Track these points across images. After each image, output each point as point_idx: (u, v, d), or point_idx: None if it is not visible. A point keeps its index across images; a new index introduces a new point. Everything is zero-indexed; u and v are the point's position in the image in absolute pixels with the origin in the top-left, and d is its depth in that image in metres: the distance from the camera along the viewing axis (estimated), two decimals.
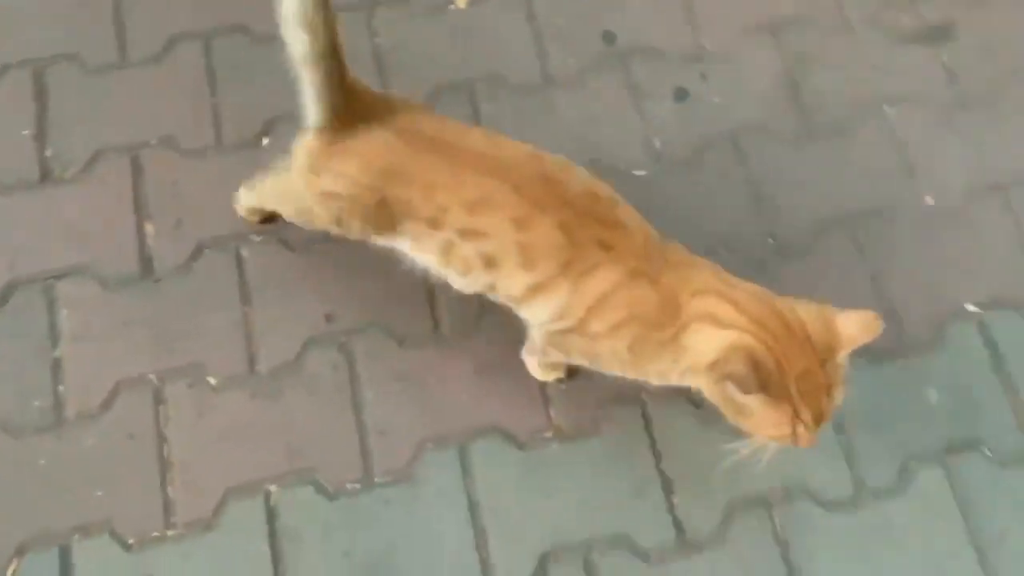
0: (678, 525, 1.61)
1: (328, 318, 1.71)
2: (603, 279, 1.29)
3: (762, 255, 1.79)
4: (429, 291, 1.73)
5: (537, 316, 1.41)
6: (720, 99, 1.96)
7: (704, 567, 1.57)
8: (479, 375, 1.68)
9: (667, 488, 1.63)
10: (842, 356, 1.22)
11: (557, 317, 1.36)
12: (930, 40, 2.02)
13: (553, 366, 1.63)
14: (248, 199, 1.69)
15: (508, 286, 1.36)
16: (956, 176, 1.90)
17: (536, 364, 1.64)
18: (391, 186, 1.33)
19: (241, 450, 1.61)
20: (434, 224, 1.34)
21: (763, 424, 1.24)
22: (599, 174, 1.38)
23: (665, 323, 1.27)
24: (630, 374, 1.41)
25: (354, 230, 1.46)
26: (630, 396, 1.67)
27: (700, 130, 1.92)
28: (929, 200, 1.88)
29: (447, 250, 1.36)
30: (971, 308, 1.78)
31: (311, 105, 1.31)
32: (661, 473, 1.64)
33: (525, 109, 1.89)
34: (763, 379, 1.17)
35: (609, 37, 1.99)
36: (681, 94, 1.95)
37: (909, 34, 2.02)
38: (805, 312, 1.24)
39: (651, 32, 1.99)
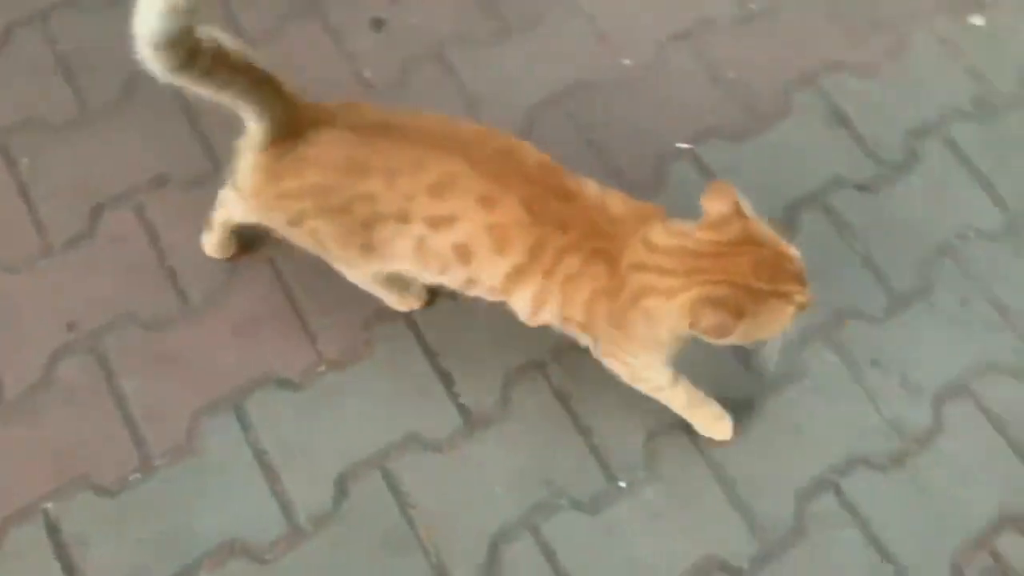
0: (463, 410, 1.64)
1: (70, 326, 1.66)
2: (567, 266, 1.30)
3: None
4: (168, 270, 1.70)
5: (523, 309, 1.40)
6: (416, 20, 2.01)
7: (495, 439, 1.62)
8: (238, 334, 1.67)
9: (447, 381, 1.67)
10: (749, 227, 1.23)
11: (537, 304, 1.37)
12: None
13: (703, 413, 1.61)
14: (214, 234, 1.64)
15: (488, 276, 1.35)
16: (644, 35, 2.02)
17: (697, 425, 1.62)
18: (353, 181, 1.29)
19: (6, 478, 1.54)
20: (403, 218, 1.30)
21: (776, 324, 1.24)
22: None
23: (617, 287, 1.28)
24: (640, 351, 1.40)
25: (333, 252, 1.42)
26: (392, 312, 1.69)
27: (404, 53, 1.97)
28: (626, 61, 2.00)
29: (420, 247, 1.33)
30: (682, 146, 1.90)
31: (255, 124, 1.27)
32: (438, 369, 1.67)
33: None
34: (737, 309, 1.17)
35: None
36: (377, 24, 1.99)
37: None
38: (680, 227, 1.27)
39: None
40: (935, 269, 1.83)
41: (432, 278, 1.44)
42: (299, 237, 1.42)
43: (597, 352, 1.48)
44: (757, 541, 1.60)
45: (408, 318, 1.71)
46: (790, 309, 1.22)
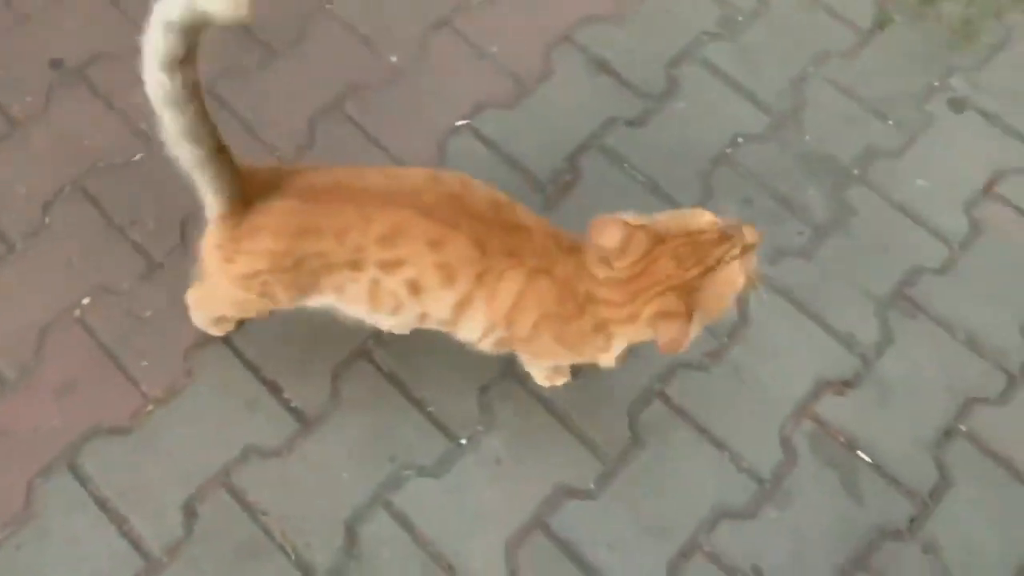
0: (296, 413, 1.69)
1: None
2: (510, 285, 1.34)
3: None
4: None
5: (472, 334, 1.44)
6: None
7: (332, 432, 1.67)
8: (60, 396, 1.68)
9: (275, 390, 1.71)
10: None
11: (487, 330, 1.41)
12: None
13: (555, 369, 1.68)
14: (201, 315, 1.66)
15: (437, 309, 1.38)
16: (405, 30, 2.12)
17: (537, 375, 1.70)
18: (305, 244, 1.33)
19: None
20: (355, 267, 1.34)
21: (731, 285, 1.29)
22: None
23: (572, 314, 1.34)
24: (588, 360, 1.47)
25: (281, 299, 1.44)
26: (208, 337, 1.73)
27: None
28: (393, 58, 2.09)
29: (374, 291, 1.37)
30: (460, 123, 2.00)
31: (210, 198, 1.32)
32: (264, 381, 1.71)
33: None
34: (682, 309, 1.24)
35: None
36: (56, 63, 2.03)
37: None
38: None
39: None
40: (715, 178, 1.96)
41: (384, 321, 1.49)
42: (243, 291, 1.44)
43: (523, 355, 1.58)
44: (599, 461, 1.68)
45: (226, 340, 1.74)
46: (734, 265, 1.26)
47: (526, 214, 1.39)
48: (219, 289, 1.48)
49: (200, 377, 1.71)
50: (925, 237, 1.92)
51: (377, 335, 1.75)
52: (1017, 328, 1.83)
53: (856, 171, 1.98)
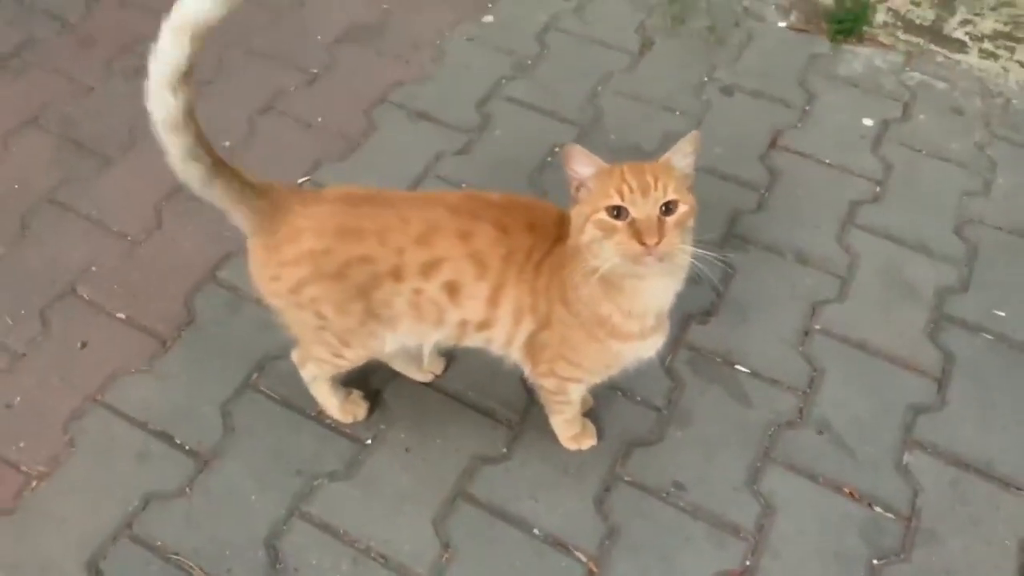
0: (191, 453, 1.64)
1: None
2: (535, 255, 1.35)
3: None
4: None
5: (505, 330, 1.40)
6: (15, 181, 2.10)
7: (232, 462, 1.62)
8: None
9: (166, 439, 1.67)
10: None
11: (518, 317, 1.38)
12: None
13: (573, 428, 1.65)
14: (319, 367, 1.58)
15: (474, 309, 1.38)
16: (234, 117, 2.25)
17: (563, 434, 1.64)
18: (348, 246, 1.33)
19: None
20: (397, 276, 1.35)
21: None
22: None
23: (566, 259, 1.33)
24: (594, 324, 1.37)
25: (336, 324, 1.41)
26: (86, 407, 1.67)
27: (20, 209, 2.03)
28: (226, 143, 2.21)
29: (415, 302, 1.37)
30: (302, 180, 2.11)
31: (236, 216, 1.36)
32: (153, 432, 1.67)
33: None
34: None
35: None
36: None
37: None
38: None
39: None
40: (544, 181, 2.15)
41: (428, 335, 1.46)
42: (300, 311, 1.41)
43: (532, 370, 1.50)
44: (504, 426, 1.72)
45: (104, 403, 1.70)
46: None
47: (531, 200, 1.46)
48: (287, 317, 1.47)
49: (84, 444, 1.65)
50: (735, 188, 2.17)
51: (259, 364, 1.76)
52: (832, 239, 2.07)
53: (661, 153, 2.23)
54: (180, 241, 1.99)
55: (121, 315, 1.85)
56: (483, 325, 1.43)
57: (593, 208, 1.23)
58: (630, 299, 1.31)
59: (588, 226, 1.23)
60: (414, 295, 1.39)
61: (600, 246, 1.23)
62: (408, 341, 1.49)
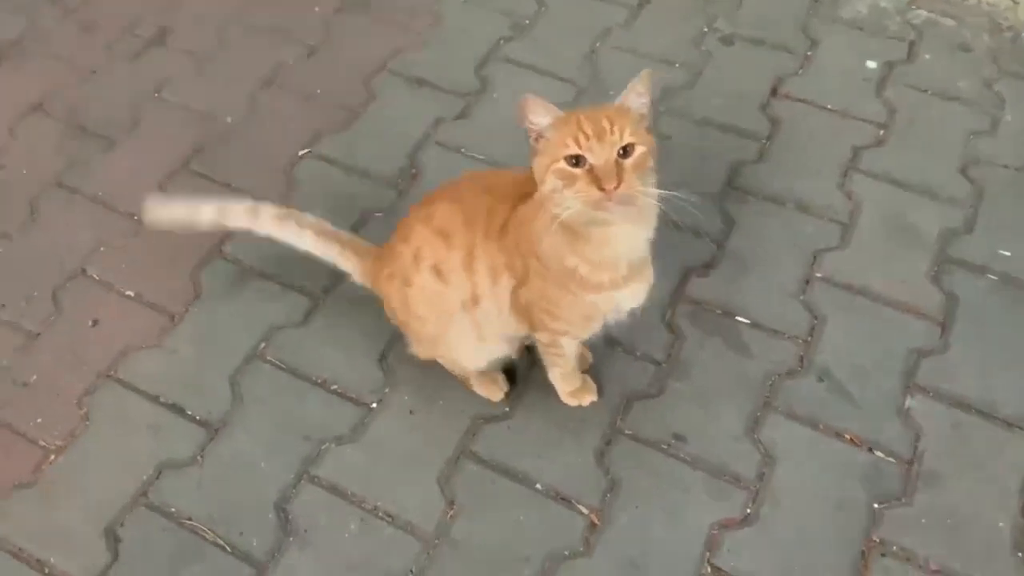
0: (202, 423, 1.69)
1: None
2: (497, 216, 1.40)
3: None
4: None
5: (494, 296, 1.45)
6: (25, 168, 2.15)
7: (241, 429, 1.67)
8: None
9: (177, 410, 1.72)
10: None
11: (497, 277, 1.43)
12: None
13: (572, 383, 1.67)
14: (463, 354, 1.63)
15: (459, 283, 1.46)
16: (236, 93, 2.27)
17: (562, 390, 1.68)
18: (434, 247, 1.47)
19: None
20: (406, 280, 1.51)
21: None
22: None
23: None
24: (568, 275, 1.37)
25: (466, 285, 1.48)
26: (100, 381, 1.73)
27: (27, 194, 2.08)
28: (229, 119, 2.23)
29: (427, 298, 1.49)
30: (303, 152, 2.14)
31: (345, 262, 1.66)
32: (165, 405, 1.71)
33: None
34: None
35: None
36: None
37: None
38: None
39: None
40: None
41: (466, 332, 1.54)
42: (440, 282, 1.48)
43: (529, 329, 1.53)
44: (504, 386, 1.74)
45: (117, 379, 1.75)
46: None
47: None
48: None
49: (98, 418, 1.70)
50: (736, 139, 2.15)
51: (266, 334, 1.80)
52: (834, 186, 2.05)
53: (661, 108, 2.22)
54: None
55: (130, 293, 1.90)
56: (475, 299, 1.46)
57: (552, 158, 1.24)
58: (597, 248, 1.32)
59: (548, 176, 1.25)
60: (420, 292, 1.48)
61: (561, 195, 1.24)
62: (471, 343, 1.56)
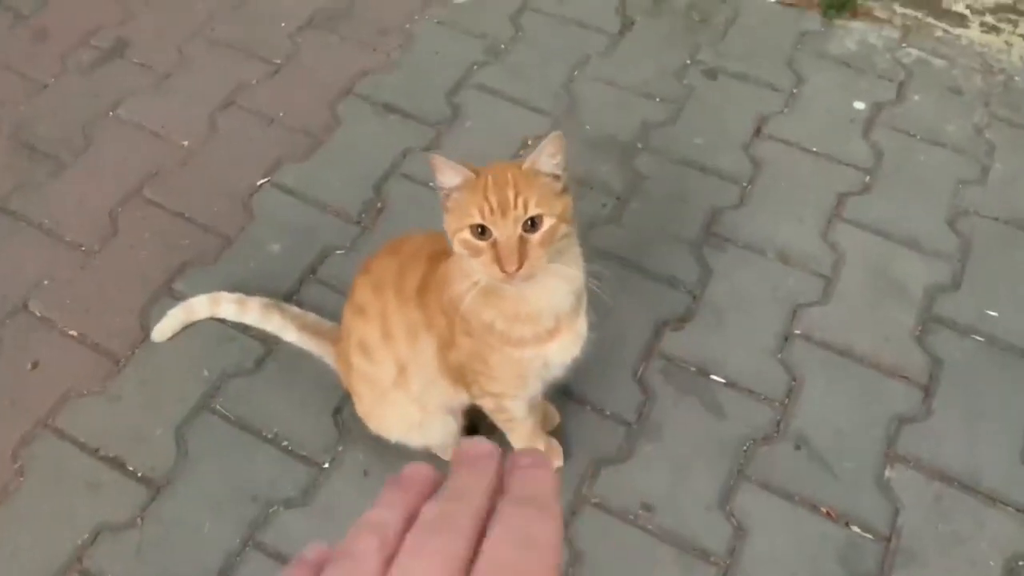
0: (144, 480, 1.59)
1: None
2: (409, 274, 1.34)
3: None
4: None
5: (417, 360, 1.37)
6: None
7: (184, 489, 1.57)
8: None
9: (116, 465, 1.62)
10: None
11: (415, 337, 1.36)
12: None
13: (521, 428, 1.53)
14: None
15: (383, 358, 1.40)
16: (193, 116, 2.16)
17: (516, 441, 1.54)
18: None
19: None
20: (345, 360, 1.49)
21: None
22: None
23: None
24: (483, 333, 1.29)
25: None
26: (36, 432, 1.62)
27: None
28: (185, 143, 2.12)
29: (365, 377, 1.45)
30: (261, 181, 2.03)
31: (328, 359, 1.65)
32: (104, 459, 1.61)
33: None
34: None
35: None
36: None
37: None
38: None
39: None
40: None
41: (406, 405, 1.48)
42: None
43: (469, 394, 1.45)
44: None
45: (54, 428, 1.64)
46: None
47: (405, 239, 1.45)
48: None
49: (33, 472, 1.60)
50: (716, 182, 2.07)
51: (214, 386, 1.70)
52: (817, 235, 1.97)
53: (639, 144, 2.13)
54: (136, 250, 1.92)
55: (73, 332, 1.79)
56: (401, 368, 1.39)
57: (459, 224, 1.15)
58: (514, 304, 1.23)
59: (456, 242, 1.17)
60: (359, 373, 1.44)
61: (469, 264, 1.16)
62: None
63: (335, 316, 1.74)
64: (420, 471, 0.42)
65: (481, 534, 0.37)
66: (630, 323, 1.81)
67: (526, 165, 1.17)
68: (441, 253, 1.29)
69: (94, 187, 2.02)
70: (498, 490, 0.41)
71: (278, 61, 2.29)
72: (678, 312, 1.84)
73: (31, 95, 2.21)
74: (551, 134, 1.17)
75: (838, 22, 2.41)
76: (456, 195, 1.17)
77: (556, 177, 1.18)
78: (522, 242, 1.13)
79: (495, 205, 1.12)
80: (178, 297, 1.83)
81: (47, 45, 2.32)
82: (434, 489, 0.41)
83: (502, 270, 1.12)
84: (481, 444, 0.42)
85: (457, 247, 1.17)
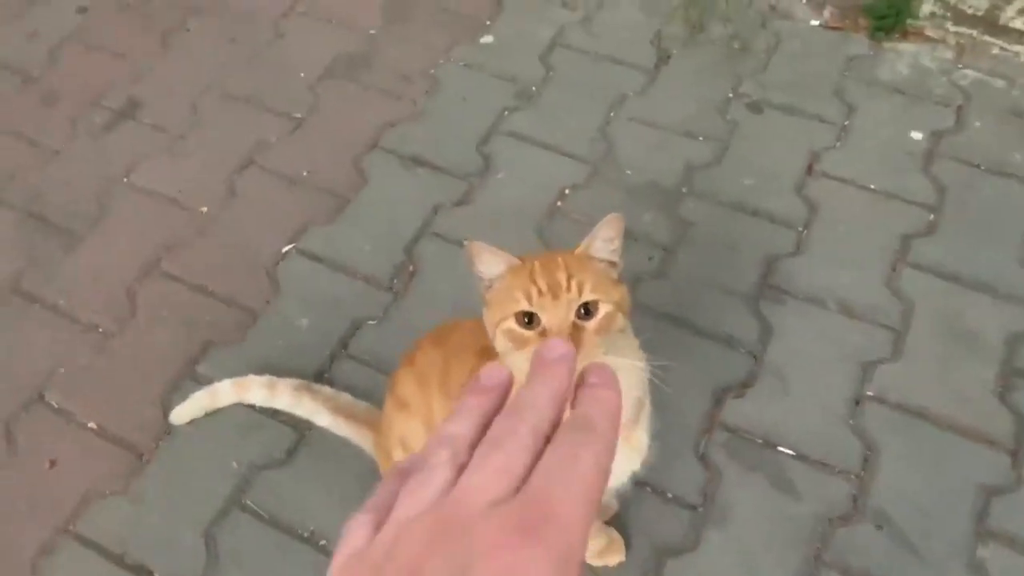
0: None
1: None
2: (454, 370, 1.26)
3: None
4: None
5: None
6: None
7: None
8: None
9: (143, 573, 1.49)
10: None
11: None
12: None
13: (596, 542, 1.47)
14: None
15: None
16: (210, 180, 2.05)
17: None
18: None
19: None
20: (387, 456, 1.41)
21: None
22: None
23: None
24: None
25: None
26: (56, 541, 1.51)
27: None
28: (204, 209, 2.01)
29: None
30: (287, 248, 1.92)
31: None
32: (129, 567, 1.49)
33: None
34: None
35: None
36: None
37: None
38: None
39: None
40: (552, 231, 1.93)
41: None
42: None
43: None
44: None
45: (71, 532, 1.53)
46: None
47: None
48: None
49: None
50: (769, 227, 1.93)
51: (246, 478, 1.58)
52: (881, 282, 1.83)
53: (684, 189, 2.00)
54: (155, 331, 1.81)
55: (92, 424, 1.69)
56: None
57: (501, 314, 1.01)
58: None
59: (498, 335, 1.02)
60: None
61: (514, 358, 1.00)
62: None
63: (369, 395, 1.63)
64: (495, 376, 0.45)
65: (542, 448, 0.40)
66: (687, 390, 1.68)
67: (579, 249, 1.05)
68: (490, 348, 1.16)
69: (110, 261, 1.92)
70: (567, 398, 0.43)
71: (298, 115, 2.18)
72: (739, 376, 1.70)
73: (43, 164, 2.11)
74: (608, 216, 1.04)
75: (887, 45, 2.27)
76: (499, 284, 1.05)
77: (612, 264, 1.06)
78: (576, 330, 0.99)
79: (545, 288, 0.99)
80: (202, 381, 1.72)
81: (57, 108, 2.23)
82: (508, 393, 0.44)
83: None
84: (558, 345, 0.45)
85: (500, 342, 1.03)
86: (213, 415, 1.67)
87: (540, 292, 0.98)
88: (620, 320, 1.03)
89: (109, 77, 2.29)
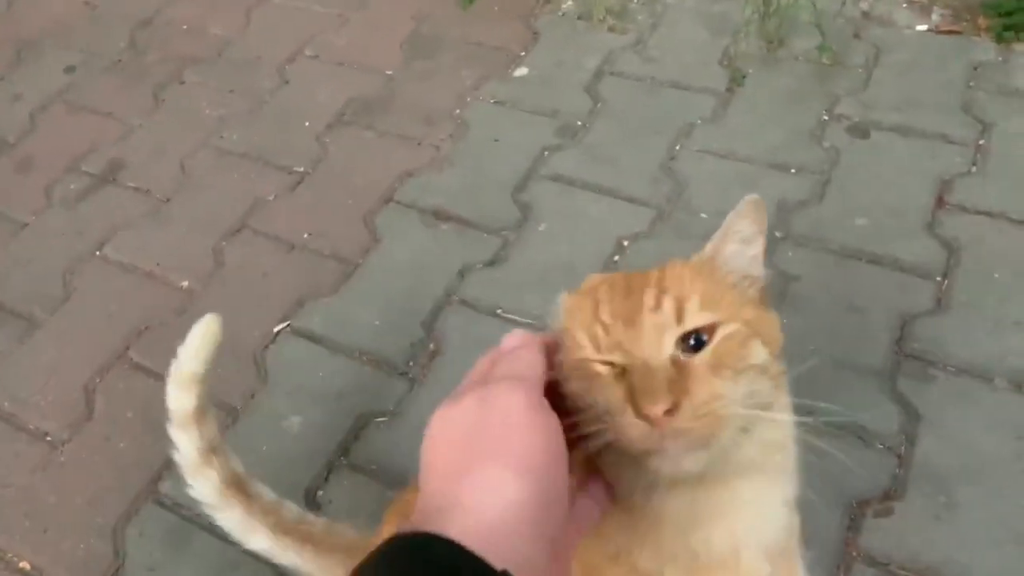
0: None
1: None
2: None
3: None
4: None
5: None
6: None
7: None
8: None
9: None
10: None
11: None
12: None
13: None
14: None
15: None
16: (195, 250, 1.71)
17: None
18: None
19: None
20: None
21: None
22: None
23: None
24: None
25: None
26: None
27: None
28: (184, 283, 1.66)
29: None
30: (278, 328, 1.55)
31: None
32: None
33: None
34: None
35: None
36: None
37: None
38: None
39: None
40: None
41: None
42: None
43: None
44: None
45: None
46: None
47: None
48: None
49: None
50: (897, 278, 1.48)
51: None
52: None
53: (777, 233, 1.57)
54: (113, 440, 1.44)
55: (24, 565, 1.30)
56: None
57: (569, 367, 0.62)
58: (672, 530, 0.65)
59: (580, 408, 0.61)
60: None
61: (605, 436, 0.59)
62: None
63: (375, 517, 1.20)
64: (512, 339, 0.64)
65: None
66: (813, 505, 1.21)
67: (705, 253, 0.66)
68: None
69: (69, 353, 1.57)
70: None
71: (301, 169, 1.83)
72: (881, 485, 1.24)
73: (7, 239, 1.80)
74: (745, 200, 0.64)
75: (1017, 47, 1.82)
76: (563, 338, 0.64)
77: (748, 280, 0.65)
78: (678, 368, 0.58)
79: (618, 315, 0.60)
80: (166, 504, 1.32)
81: (31, 176, 1.93)
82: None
83: (639, 414, 0.56)
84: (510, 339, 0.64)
85: (585, 424, 0.60)
86: (181, 540, 1.27)
87: (611, 322, 0.60)
88: (758, 351, 0.61)
89: (91, 139, 1.98)
